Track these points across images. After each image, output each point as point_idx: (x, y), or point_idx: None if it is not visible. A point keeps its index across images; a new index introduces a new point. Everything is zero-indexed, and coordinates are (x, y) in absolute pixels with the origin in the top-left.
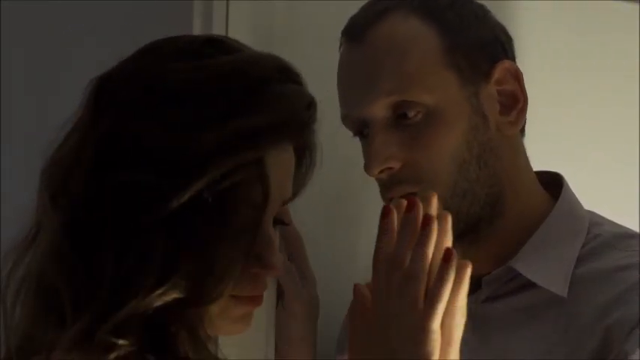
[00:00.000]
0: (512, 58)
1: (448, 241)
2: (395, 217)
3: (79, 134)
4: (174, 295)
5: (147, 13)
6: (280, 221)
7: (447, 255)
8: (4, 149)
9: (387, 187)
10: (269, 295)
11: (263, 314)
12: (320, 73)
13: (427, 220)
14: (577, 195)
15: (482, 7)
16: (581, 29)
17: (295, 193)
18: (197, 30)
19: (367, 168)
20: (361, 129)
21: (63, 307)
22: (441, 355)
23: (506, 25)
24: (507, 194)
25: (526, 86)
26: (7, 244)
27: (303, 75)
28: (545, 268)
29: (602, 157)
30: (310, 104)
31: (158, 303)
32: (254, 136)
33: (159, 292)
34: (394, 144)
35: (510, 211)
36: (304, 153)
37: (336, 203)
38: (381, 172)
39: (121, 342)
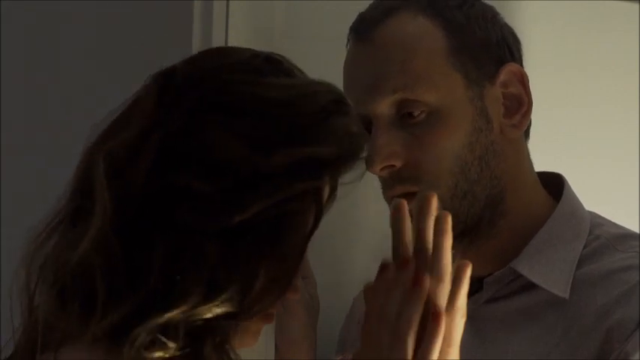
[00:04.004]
0: (519, 61)
1: (448, 241)
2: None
3: (142, 124)
4: (225, 309)
5: (147, 13)
6: None
7: (435, 316)
8: (4, 149)
9: (388, 185)
10: None
11: None
12: (320, 73)
13: (418, 278)
14: (577, 195)
15: (491, 8)
16: (581, 29)
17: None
18: (197, 30)
19: (369, 165)
20: (366, 126)
21: (92, 297)
22: (441, 356)
23: None
24: (508, 196)
25: None
26: (6, 242)
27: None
28: (547, 269)
29: (602, 157)
30: (366, 141)
31: (209, 315)
32: (321, 165)
33: (212, 304)
34: (397, 142)
35: (511, 212)
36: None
37: (335, 204)
38: (383, 169)
39: (170, 343)
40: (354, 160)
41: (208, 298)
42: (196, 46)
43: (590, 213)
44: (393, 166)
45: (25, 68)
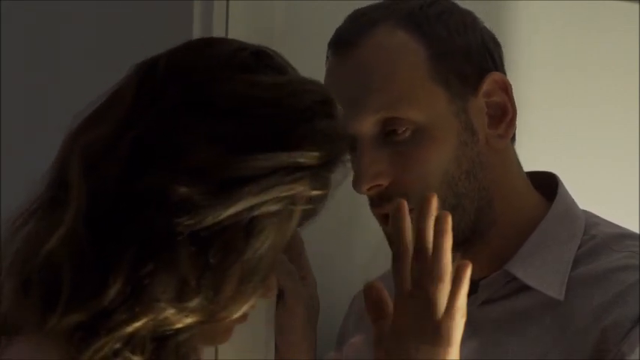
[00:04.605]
0: (501, 68)
1: (448, 241)
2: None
3: (119, 118)
4: (195, 318)
5: (147, 13)
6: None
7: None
8: (4, 149)
9: (375, 203)
10: None
11: (263, 314)
12: (320, 72)
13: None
14: (577, 195)
15: (469, 13)
16: (581, 29)
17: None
18: (197, 30)
19: (355, 185)
20: (351, 144)
21: (55, 292)
22: (441, 356)
23: (506, 25)
24: (498, 205)
25: (526, 86)
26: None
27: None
28: (542, 271)
29: (602, 157)
30: (350, 144)
31: (179, 325)
32: (299, 170)
33: (181, 313)
34: (383, 161)
35: (503, 219)
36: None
37: (335, 204)
38: (370, 189)
39: (134, 358)
40: (336, 165)
41: (178, 306)
42: None
43: (585, 212)
44: (380, 185)
45: (25, 68)
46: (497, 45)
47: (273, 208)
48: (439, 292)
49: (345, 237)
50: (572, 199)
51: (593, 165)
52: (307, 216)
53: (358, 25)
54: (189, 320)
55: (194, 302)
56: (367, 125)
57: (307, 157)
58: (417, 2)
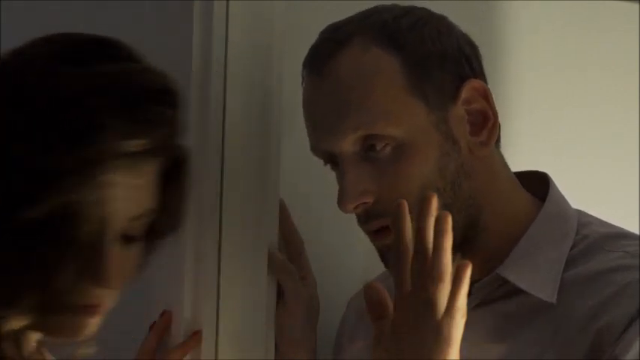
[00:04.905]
0: (480, 72)
1: (448, 241)
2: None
3: None
4: (25, 320)
5: (147, 13)
6: (131, 238)
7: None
8: None
9: (363, 220)
10: (269, 295)
11: (263, 314)
12: None
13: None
14: (577, 195)
15: (444, 20)
16: (581, 29)
17: (169, 207)
18: (197, 30)
19: (340, 205)
20: (332, 159)
21: None
22: (440, 355)
23: (506, 26)
24: (487, 211)
25: (526, 86)
26: None
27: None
28: (534, 273)
29: (602, 157)
30: (173, 122)
31: (8, 329)
32: (104, 162)
33: (9, 313)
34: (366, 179)
35: (493, 225)
36: (172, 168)
37: (335, 205)
38: (356, 207)
39: None
40: (133, 156)
41: (4, 308)
42: (196, 46)
43: (578, 211)
44: (366, 202)
45: None
46: (474, 48)
47: (90, 196)
48: (439, 292)
49: (346, 237)
50: (564, 199)
51: (593, 165)
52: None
53: (331, 42)
54: (17, 324)
55: (22, 302)
56: (347, 144)
57: (110, 149)
58: (391, 13)
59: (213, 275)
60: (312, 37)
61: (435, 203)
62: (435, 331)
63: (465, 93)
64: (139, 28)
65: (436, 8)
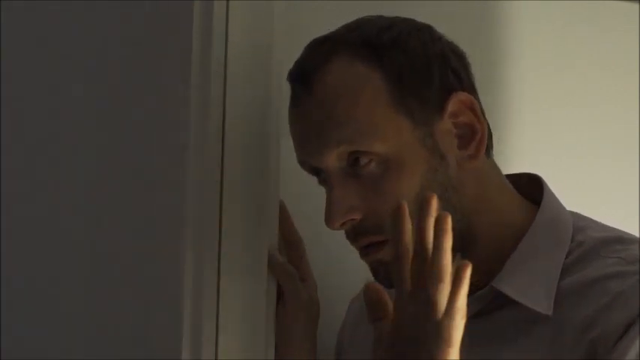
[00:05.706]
0: (467, 82)
1: (448, 241)
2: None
3: None
4: None
5: (147, 13)
6: None
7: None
8: (4, 149)
9: (351, 237)
10: (269, 296)
11: (263, 315)
12: None
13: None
14: (576, 195)
15: (428, 30)
16: (581, 29)
17: None
18: (197, 30)
19: (327, 222)
20: (318, 173)
21: None
22: (441, 356)
23: (506, 26)
24: (477, 224)
25: (526, 86)
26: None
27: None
28: (529, 285)
29: (602, 157)
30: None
31: None
32: None
33: None
34: (352, 196)
35: (485, 237)
36: None
37: None
38: (343, 224)
39: None
40: None
41: None
42: (196, 46)
43: (573, 214)
44: (354, 219)
45: (24, 68)
46: (462, 57)
47: None
48: (439, 293)
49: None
50: (559, 203)
51: (592, 165)
52: None
53: (315, 56)
54: None
55: None
56: (332, 160)
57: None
58: (375, 27)
59: (213, 275)
60: (311, 37)
61: (434, 204)
62: (434, 332)
63: (451, 106)
64: (139, 28)
65: (436, 9)
